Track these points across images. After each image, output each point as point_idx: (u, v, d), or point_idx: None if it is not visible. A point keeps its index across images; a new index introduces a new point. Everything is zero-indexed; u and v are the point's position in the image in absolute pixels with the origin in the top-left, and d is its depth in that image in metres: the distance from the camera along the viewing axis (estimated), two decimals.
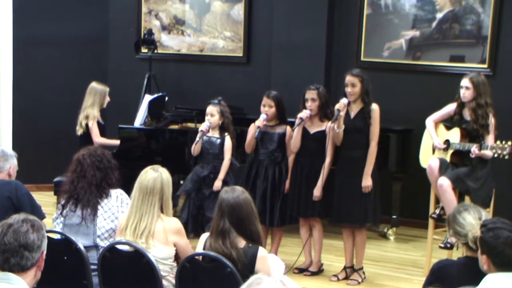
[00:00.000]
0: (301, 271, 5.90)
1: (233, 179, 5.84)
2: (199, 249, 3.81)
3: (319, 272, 5.90)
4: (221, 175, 5.76)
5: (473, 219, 3.40)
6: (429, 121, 5.90)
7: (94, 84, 6.99)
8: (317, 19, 7.44)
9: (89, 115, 6.83)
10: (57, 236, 4.18)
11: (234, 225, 3.68)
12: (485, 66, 6.91)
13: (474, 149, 5.40)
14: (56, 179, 6.74)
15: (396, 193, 6.98)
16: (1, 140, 8.18)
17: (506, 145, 5.25)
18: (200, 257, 3.78)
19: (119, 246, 3.97)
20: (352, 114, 5.60)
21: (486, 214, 3.52)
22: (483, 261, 3.17)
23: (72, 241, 4.03)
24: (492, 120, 5.52)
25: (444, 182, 5.48)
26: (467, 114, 5.64)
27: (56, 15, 8.30)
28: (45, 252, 2.88)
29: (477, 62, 6.98)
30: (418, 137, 6.18)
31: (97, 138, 6.80)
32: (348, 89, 5.54)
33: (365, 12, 7.41)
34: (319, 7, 7.44)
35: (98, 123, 6.88)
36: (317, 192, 5.67)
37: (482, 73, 5.84)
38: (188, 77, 8.28)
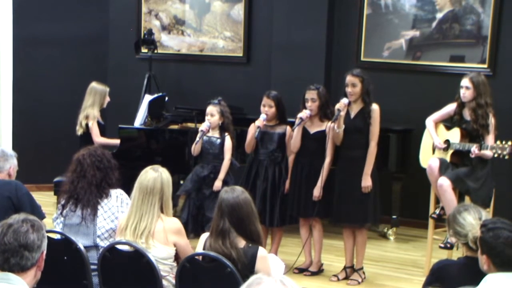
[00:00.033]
0: (301, 271, 5.90)
1: (233, 179, 5.84)
2: (199, 249, 3.81)
3: (319, 272, 5.90)
4: (221, 175, 5.76)
5: (473, 219, 3.40)
6: (429, 121, 5.90)
7: (94, 84, 6.99)
8: (317, 19, 7.43)
9: (89, 115, 6.83)
10: (57, 236, 4.18)
11: (234, 225, 3.68)
12: (485, 66, 6.90)
13: (474, 149, 5.40)
14: (56, 179, 6.73)
15: (396, 193, 6.98)
16: (1, 140, 8.17)
17: (506, 145, 5.25)
18: (200, 257, 3.78)
19: (119, 246, 3.97)
20: (352, 114, 5.60)
21: (486, 214, 3.52)
22: (483, 261, 3.17)
23: (72, 241, 4.03)
24: (492, 120, 5.52)
25: (444, 182, 5.48)
26: (467, 114, 5.64)
27: (56, 15, 8.29)
28: (45, 252, 2.88)
29: (477, 62, 6.98)
30: (418, 137, 6.18)
31: (97, 138, 6.80)
32: (349, 89, 5.54)
33: (365, 12, 7.41)
34: (319, 7, 7.44)
35: (98, 123, 6.88)
36: (317, 192, 5.67)
37: (482, 73, 5.84)
38: (188, 77, 8.28)
